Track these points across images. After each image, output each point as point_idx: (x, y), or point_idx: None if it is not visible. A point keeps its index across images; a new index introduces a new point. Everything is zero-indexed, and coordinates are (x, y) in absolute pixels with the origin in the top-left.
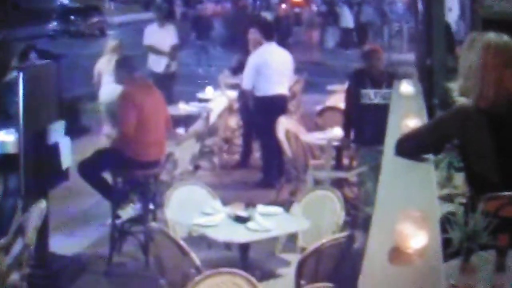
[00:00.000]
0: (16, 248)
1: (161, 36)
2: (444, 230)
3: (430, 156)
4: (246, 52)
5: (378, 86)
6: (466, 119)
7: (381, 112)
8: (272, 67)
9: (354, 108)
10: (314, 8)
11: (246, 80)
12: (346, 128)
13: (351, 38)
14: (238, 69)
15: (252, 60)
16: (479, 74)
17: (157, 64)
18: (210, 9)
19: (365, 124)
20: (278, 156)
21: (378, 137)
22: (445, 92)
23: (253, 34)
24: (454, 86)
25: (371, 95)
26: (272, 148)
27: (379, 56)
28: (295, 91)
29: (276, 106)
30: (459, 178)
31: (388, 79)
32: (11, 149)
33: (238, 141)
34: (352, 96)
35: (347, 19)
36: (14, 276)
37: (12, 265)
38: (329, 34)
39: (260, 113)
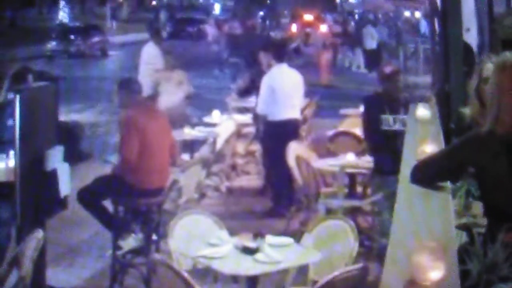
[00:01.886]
0: (11, 280)
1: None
2: (462, 261)
3: (447, 184)
4: (256, 73)
5: (396, 112)
6: (481, 145)
7: (400, 139)
8: (284, 90)
9: (372, 134)
10: (326, 28)
11: (260, 104)
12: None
13: (376, 60)
14: (246, 91)
15: (264, 83)
16: (494, 97)
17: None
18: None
19: (385, 152)
20: (288, 183)
21: (398, 166)
22: (459, 118)
23: (265, 56)
24: (467, 111)
25: (390, 121)
26: (282, 175)
27: (399, 79)
28: (306, 115)
29: (287, 131)
30: (478, 207)
31: (405, 104)
32: (3, 176)
33: (247, 167)
34: (370, 122)
35: (372, 40)
36: None
37: None
38: (349, 55)
39: (270, 138)
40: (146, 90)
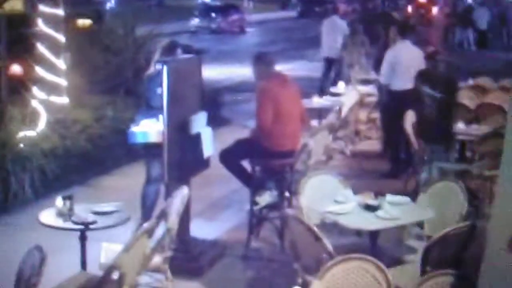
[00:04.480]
0: (159, 232)
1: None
2: None
3: None
4: (380, 49)
5: (433, 88)
6: None
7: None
8: (405, 63)
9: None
10: (438, 9)
11: (384, 75)
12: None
13: (485, 39)
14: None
15: (388, 56)
16: None
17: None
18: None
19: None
20: (406, 148)
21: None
22: None
23: (392, 32)
24: None
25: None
26: (400, 141)
27: (437, 59)
28: None
29: (406, 100)
30: None
31: (444, 84)
32: (154, 138)
33: (368, 133)
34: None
35: (482, 21)
36: (157, 259)
37: (155, 248)
38: (458, 34)
39: (391, 106)
40: (334, 52)
